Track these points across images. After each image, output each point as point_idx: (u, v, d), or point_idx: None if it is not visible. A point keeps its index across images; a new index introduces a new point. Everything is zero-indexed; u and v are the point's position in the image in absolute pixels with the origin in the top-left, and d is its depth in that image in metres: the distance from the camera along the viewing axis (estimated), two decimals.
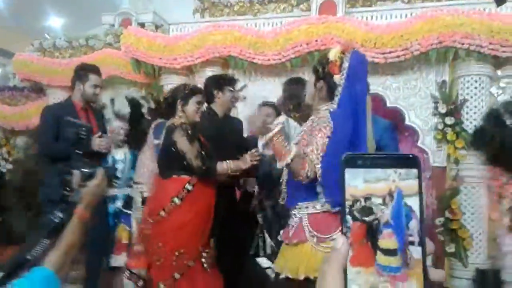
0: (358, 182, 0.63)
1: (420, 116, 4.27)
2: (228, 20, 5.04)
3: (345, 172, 0.64)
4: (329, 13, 4.44)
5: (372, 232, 0.62)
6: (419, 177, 0.65)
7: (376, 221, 0.62)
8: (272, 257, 3.07)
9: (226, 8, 5.29)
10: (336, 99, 2.07)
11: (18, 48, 6.30)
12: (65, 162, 3.26)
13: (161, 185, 2.81)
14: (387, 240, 0.62)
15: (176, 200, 2.70)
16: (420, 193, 0.64)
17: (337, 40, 4.16)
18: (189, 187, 2.73)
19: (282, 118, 3.15)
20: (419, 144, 4.30)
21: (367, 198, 0.63)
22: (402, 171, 0.64)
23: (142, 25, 5.76)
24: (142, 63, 4.94)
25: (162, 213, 2.70)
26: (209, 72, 4.73)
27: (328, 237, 2.00)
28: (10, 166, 5.65)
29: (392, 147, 2.82)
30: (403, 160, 0.65)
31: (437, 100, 4.17)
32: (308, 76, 4.50)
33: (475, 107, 4.06)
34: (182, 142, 2.71)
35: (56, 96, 5.78)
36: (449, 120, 4.07)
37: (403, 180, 0.64)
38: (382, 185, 0.64)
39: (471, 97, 4.07)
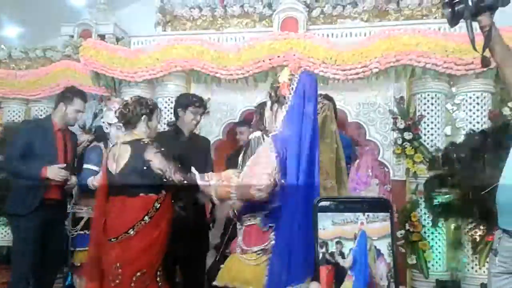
0: (327, 224, 0.63)
1: (380, 131, 4.38)
2: (190, 34, 5.02)
3: (317, 216, 0.63)
4: (291, 29, 4.51)
5: (338, 276, 0.62)
6: (391, 219, 0.65)
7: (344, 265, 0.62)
8: None
9: (188, 22, 5.27)
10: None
11: None
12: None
13: (126, 204, 2.72)
14: (346, 283, 0.61)
15: (146, 218, 2.63)
16: (392, 235, 0.64)
17: (299, 57, 4.22)
18: (157, 205, 2.68)
19: (258, 133, 3.18)
20: (379, 158, 4.40)
21: (338, 241, 0.63)
22: (371, 214, 0.64)
23: (102, 37, 5.66)
24: (102, 75, 4.83)
25: (131, 232, 2.62)
26: (171, 85, 4.71)
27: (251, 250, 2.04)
28: None
29: (348, 165, 2.86)
30: (373, 204, 0.65)
31: (395, 115, 4.29)
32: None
33: (432, 122, 4.20)
34: (157, 159, 2.64)
35: (11, 109, 5.59)
36: (407, 135, 4.19)
37: (371, 223, 0.64)
38: (351, 227, 0.64)
39: (428, 113, 4.21)
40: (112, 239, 2.64)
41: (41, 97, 5.45)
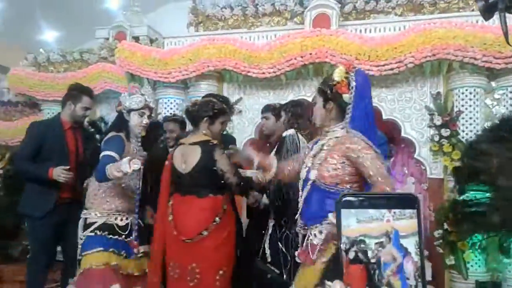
0: (351, 222, 0.61)
1: (415, 128, 4.27)
2: (222, 33, 5.04)
3: (341, 213, 0.62)
4: (323, 26, 4.45)
5: (370, 275, 0.60)
6: (418, 216, 0.63)
7: (375, 263, 0.61)
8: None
9: (220, 22, 5.29)
10: (348, 117, 2.13)
11: (12, 63, 6.28)
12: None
13: (195, 205, 2.75)
14: (395, 283, 0.60)
15: (217, 219, 2.71)
16: (419, 233, 0.62)
17: (331, 53, 4.18)
18: (225, 206, 2.78)
19: (292, 131, 3.17)
20: (415, 156, 4.29)
21: (361, 240, 0.62)
22: (397, 211, 0.62)
23: (136, 38, 5.76)
24: (137, 77, 4.92)
25: (205, 232, 2.67)
26: (204, 85, 4.74)
27: None
28: (7, 182, 5.59)
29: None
30: (399, 200, 0.63)
31: (432, 112, 4.17)
32: (303, 89, 4.57)
33: (470, 118, 4.07)
34: (222, 161, 2.74)
35: (50, 111, 5.77)
36: (444, 132, 4.07)
37: (397, 220, 0.62)
38: (376, 225, 0.62)
39: (466, 109, 4.08)
40: (187, 240, 2.70)
41: None
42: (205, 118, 2.82)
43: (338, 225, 0.61)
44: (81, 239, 2.81)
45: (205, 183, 2.77)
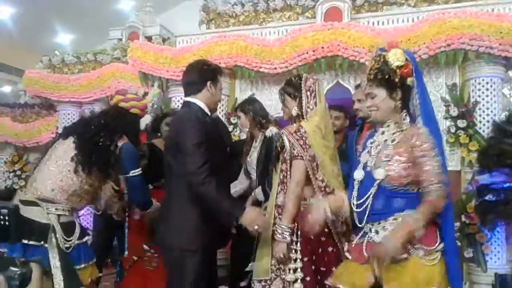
0: None
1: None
2: (233, 30, 5.04)
3: None
4: (335, 19, 4.41)
5: None
6: None
7: None
8: None
9: (231, 19, 5.29)
10: (416, 104, 1.97)
11: (28, 66, 6.38)
12: None
13: None
14: None
15: None
16: None
17: (344, 47, 4.14)
18: None
19: (275, 129, 3.17)
20: None
21: None
22: None
23: (149, 38, 5.80)
24: (150, 76, 4.95)
25: None
26: None
27: (434, 249, 1.87)
28: (23, 183, 5.68)
29: None
30: None
31: (448, 103, 4.10)
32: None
33: (488, 109, 3.98)
34: None
35: (66, 112, 5.84)
36: (461, 123, 4.00)
37: None
38: None
39: (483, 99, 4.00)
40: None
41: (93, 99, 5.66)
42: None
43: None
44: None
45: None
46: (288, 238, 2.25)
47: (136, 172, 2.51)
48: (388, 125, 2.01)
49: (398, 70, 1.92)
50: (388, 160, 1.93)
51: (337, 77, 4.51)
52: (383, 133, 2.02)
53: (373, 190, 1.95)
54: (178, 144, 2.28)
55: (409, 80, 1.93)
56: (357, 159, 2.10)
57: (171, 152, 2.35)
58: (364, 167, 2.02)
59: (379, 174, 1.93)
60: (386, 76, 1.93)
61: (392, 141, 1.97)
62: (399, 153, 1.92)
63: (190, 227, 2.29)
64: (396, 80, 1.92)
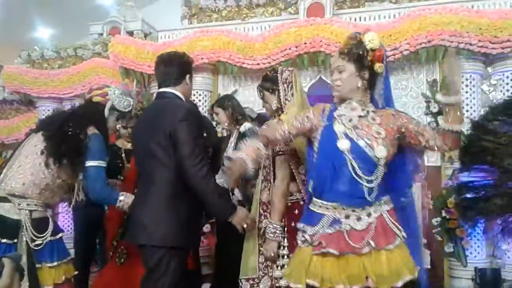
0: None
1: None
2: (216, 25, 5.00)
3: None
4: (317, 15, 4.41)
5: None
6: None
7: None
8: None
9: (214, 14, 5.25)
10: (377, 91, 1.98)
11: (6, 61, 6.24)
12: None
13: None
14: None
15: None
16: None
17: (326, 42, 4.14)
18: None
19: (248, 125, 3.17)
20: None
21: None
22: None
23: (131, 33, 5.73)
24: (131, 71, 4.89)
25: None
26: (199, 78, 4.70)
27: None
28: None
29: None
30: None
31: (428, 99, 4.14)
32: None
33: (467, 105, 4.03)
34: None
35: (46, 108, 5.74)
36: (441, 119, 4.03)
37: None
38: None
39: (463, 95, 4.04)
40: None
41: (73, 95, 5.57)
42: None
43: None
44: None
45: None
46: (280, 237, 2.23)
47: (93, 163, 2.34)
48: (350, 103, 1.94)
49: (371, 52, 1.91)
50: (383, 138, 1.87)
51: (320, 73, 4.52)
52: (352, 109, 1.94)
53: (381, 168, 1.86)
54: (174, 133, 2.13)
55: (377, 66, 1.91)
56: (321, 131, 1.96)
57: (157, 141, 2.18)
58: (348, 138, 1.88)
59: (381, 151, 1.84)
60: (359, 52, 1.90)
61: (373, 119, 1.92)
62: (388, 131, 1.89)
63: (178, 223, 2.14)
64: (368, 60, 1.91)
